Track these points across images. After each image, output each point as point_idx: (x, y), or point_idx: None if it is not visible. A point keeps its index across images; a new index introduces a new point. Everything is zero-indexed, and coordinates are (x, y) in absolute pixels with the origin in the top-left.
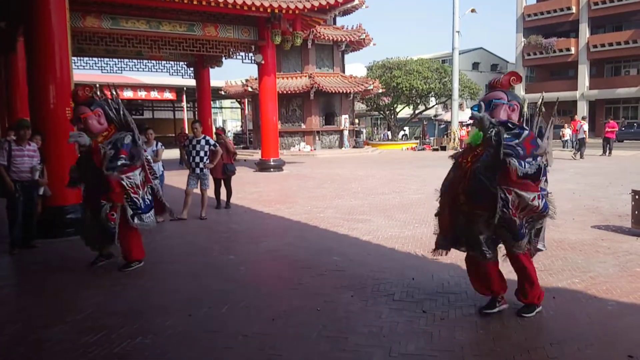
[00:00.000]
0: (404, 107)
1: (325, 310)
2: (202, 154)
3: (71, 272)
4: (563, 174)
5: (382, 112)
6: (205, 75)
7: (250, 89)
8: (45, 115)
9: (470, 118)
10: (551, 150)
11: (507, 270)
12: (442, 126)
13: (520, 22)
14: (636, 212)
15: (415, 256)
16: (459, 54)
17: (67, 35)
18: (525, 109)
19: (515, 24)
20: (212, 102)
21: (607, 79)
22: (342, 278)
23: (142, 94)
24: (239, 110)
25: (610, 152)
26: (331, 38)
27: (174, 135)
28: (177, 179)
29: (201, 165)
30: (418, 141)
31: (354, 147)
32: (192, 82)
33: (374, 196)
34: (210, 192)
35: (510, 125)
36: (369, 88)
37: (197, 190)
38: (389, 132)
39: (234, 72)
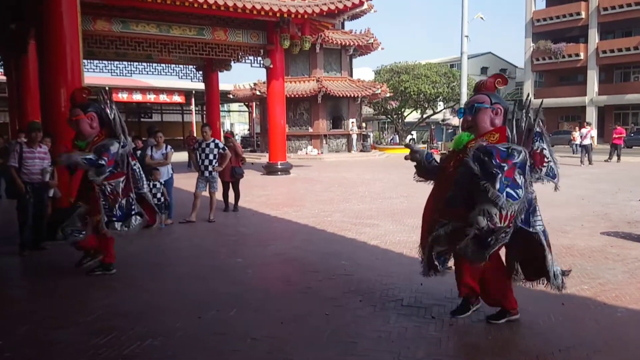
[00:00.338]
0: (411, 112)
1: (333, 314)
2: (211, 157)
3: (80, 274)
4: (572, 180)
5: (389, 116)
6: (214, 79)
7: (258, 93)
8: (56, 117)
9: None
10: (556, 160)
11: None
12: (450, 130)
13: (529, 27)
14: None
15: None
16: (468, 58)
17: (79, 38)
18: (523, 116)
19: (524, 28)
20: (220, 106)
21: (616, 85)
22: (351, 282)
23: (151, 97)
24: (247, 113)
25: (618, 158)
26: (339, 42)
27: (182, 138)
28: (185, 181)
29: (210, 168)
30: (426, 145)
31: (361, 150)
32: (200, 86)
33: (382, 200)
34: (219, 195)
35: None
36: (376, 92)
37: (206, 193)
38: (397, 136)
39: (242, 75)
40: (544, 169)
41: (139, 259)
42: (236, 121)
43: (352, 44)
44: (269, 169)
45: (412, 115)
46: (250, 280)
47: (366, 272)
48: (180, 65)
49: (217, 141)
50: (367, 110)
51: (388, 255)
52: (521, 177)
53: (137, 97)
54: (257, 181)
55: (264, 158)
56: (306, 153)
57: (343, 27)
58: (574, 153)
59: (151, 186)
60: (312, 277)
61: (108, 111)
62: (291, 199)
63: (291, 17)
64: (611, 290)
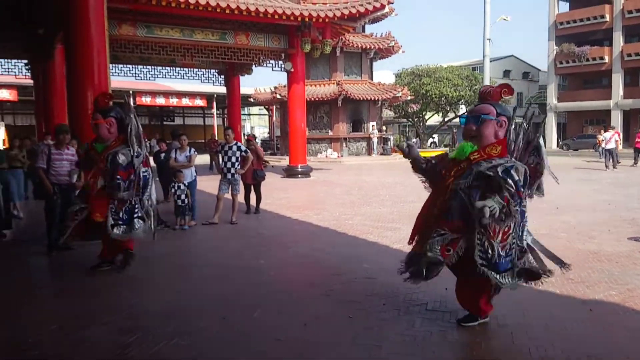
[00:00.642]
0: (433, 115)
1: (357, 317)
2: (233, 159)
3: (107, 273)
4: (597, 185)
5: (410, 120)
6: (235, 83)
7: (278, 96)
8: (83, 120)
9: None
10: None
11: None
12: None
13: (553, 30)
14: None
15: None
16: (490, 61)
17: (106, 42)
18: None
19: (547, 31)
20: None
21: None
22: (373, 286)
23: (173, 101)
24: (267, 117)
25: None
26: (360, 45)
27: (204, 141)
28: (207, 184)
29: (232, 170)
30: (447, 149)
31: (381, 154)
32: (222, 89)
33: (403, 204)
34: (241, 197)
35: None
36: (397, 95)
37: (228, 196)
38: (417, 140)
39: (262, 79)
40: (536, 184)
41: (164, 260)
42: (256, 124)
43: (372, 47)
44: (289, 172)
45: (434, 119)
46: (273, 281)
47: (389, 275)
48: (202, 70)
49: (239, 144)
50: (387, 113)
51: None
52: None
53: (160, 100)
54: (278, 184)
55: (283, 161)
56: (326, 156)
57: (364, 31)
58: (600, 156)
59: (175, 188)
60: (334, 279)
61: (127, 120)
62: (312, 201)
63: (312, 21)
64: None
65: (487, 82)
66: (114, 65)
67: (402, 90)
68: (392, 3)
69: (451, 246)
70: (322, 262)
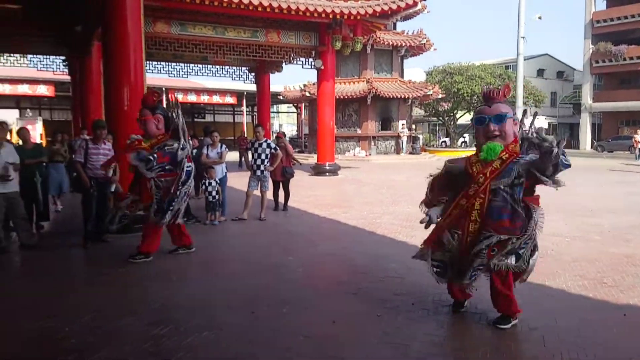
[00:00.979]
0: (464, 114)
1: (385, 316)
2: (263, 156)
3: (139, 266)
4: (633, 187)
5: (441, 118)
6: (265, 81)
7: (307, 94)
8: (119, 116)
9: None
10: None
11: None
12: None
13: (589, 29)
14: None
15: None
16: (524, 60)
17: (142, 40)
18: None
19: (583, 30)
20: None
21: None
22: (402, 285)
23: (204, 98)
24: (295, 114)
25: None
26: (391, 43)
27: (233, 138)
28: (237, 180)
29: (262, 167)
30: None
31: (410, 153)
32: (251, 87)
33: None
34: (269, 194)
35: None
36: (428, 93)
37: (258, 192)
38: (447, 139)
39: (292, 77)
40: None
41: (194, 254)
42: (284, 122)
43: (403, 44)
44: (317, 170)
45: (465, 118)
46: (301, 278)
47: (418, 275)
48: (233, 67)
49: (269, 141)
50: (417, 111)
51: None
52: None
53: (192, 97)
54: (306, 182)
55: (311, 159)
56: (354, 154)
57: (395, 28)
58: (636, 159)
59: (207, 184)
60: (362, 278)
61: (174, 116)
62: (339, 200)
63: (344, 19)
64: None
65: (520, 81)
66: (148, 62)
67: (433, 89)
68: (425, 0)
69: (497, 247)
70: (350, 261)
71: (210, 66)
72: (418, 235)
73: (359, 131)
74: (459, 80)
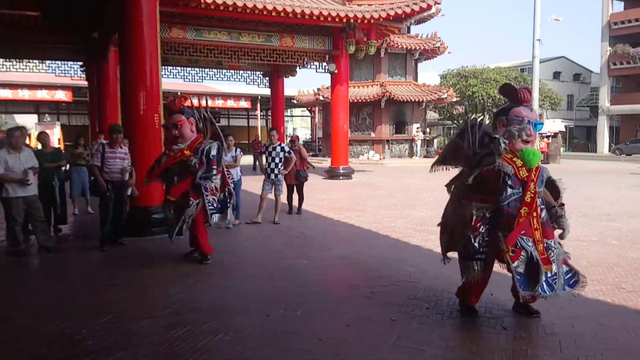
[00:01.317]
0: (479, 117)
1: (400, 320)
2: (277, 160)
3: (156, 269)
4: None
5: (455, 122)
6: (279, 85)
7: (321, 98)
8: (135, 120)
9: None
10: None
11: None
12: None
13: (606, 30)
14: None
15: (494, 271)
16: (540, 62)
17: (158, 45)
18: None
19: (600, 32)
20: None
21: None
22: (417, 289)
23: (219, 103)
24: (309, 118)
25: None
26: (405, 46)
27: (247, 142)
28: (251, 184)
29: (276, 171)
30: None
31: (425, 156)
32: (265, 91)
33: None
34: (283, 197)
35: None
36: (442, 97)
37: (272, 196)
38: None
39: (305, 81)
40: None
41: (211, 256)
42: (298, 126)
43: (417, 48)
44: (331, 174)
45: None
46: (315, 281)
47: (433, 279)
48: (248, 72)
49: (283, 145)
50: (432, 115)
51: (456, 264)
52: None
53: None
54: (319, 185)
55: (325, 162)
56: (368, 158)
57: (409, 31)
58: None
59: None
60: (376, 282)
61: (205, 117)
62: (353, 203)
63: (357, 23)
64: None
65: (536, 84)
66: (164, 67)
67: (447, 92)
68: (439, 3)
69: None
70: (364, 264)
71: (225, 71)
72: (432, 239)
73: (372, 135)
74: (474, 83)
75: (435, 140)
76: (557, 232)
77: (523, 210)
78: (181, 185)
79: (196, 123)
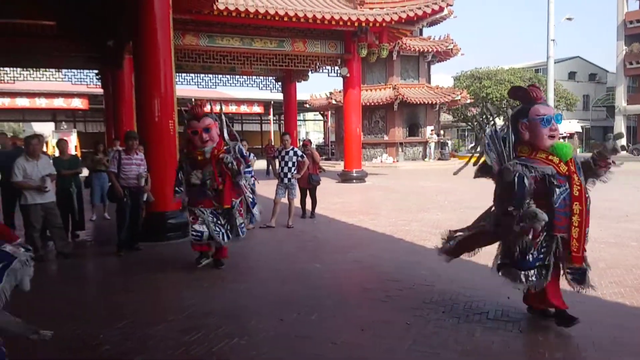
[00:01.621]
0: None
1: (415, 324)
2: (290, 164)
3: (171, 274)
4: None
5: (469, 123)
6: (292, 89)
7: (334, 102)
8: (150, 127)
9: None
10: None
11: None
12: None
13: (621, 29)
14: None
15: None
16: (554, 62)
17: (171, 52)
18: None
19: (615, 31)
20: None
21: None
22: (432, 293)
23: (232, 108)
24: (321, 122)
25: None
26: (417, 49)
27: (261, 147)
28: (264, 188)
29: (289, 175)
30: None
31: (439, 159)
32: (278, 96)
33: (463, 210)
34: (297, 201)
35: None
36: (456, 98)
37: (285, 200)
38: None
39: (317, 85)
40: None
41: (225, 261)
42: (311, 130)
43: (430, 50)
44: (344, 177)
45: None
46: (329, 285)
47: (448, 283)
48: (260, 77)
49: (295, 149)
50: (445, 117)
51: (471, 266)
52: None
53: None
54: (332, 189)
55: (338, 166)
56: (381, 161)
57: (421, 34)
58: None
59: None
60: (391, 285)
61: (222, 120)
62: (367, 207)
63: (369, 26)
64: None
65: (551, 85)
66: (177, 74)
67: (461, 94)
68: (451, 5)
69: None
70: (378, 268)
71: (238, 76)
72: None
73: (386, 138)
74: (488, 84)
75: (450, 142)
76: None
77: (575, 206)
78: (227, 189)
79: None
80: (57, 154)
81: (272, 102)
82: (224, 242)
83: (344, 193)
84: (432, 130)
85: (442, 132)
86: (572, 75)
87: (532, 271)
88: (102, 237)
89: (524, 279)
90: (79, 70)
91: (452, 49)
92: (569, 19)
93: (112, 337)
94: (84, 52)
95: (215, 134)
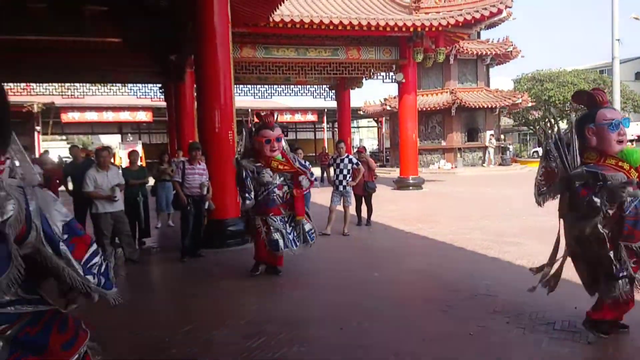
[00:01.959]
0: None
1: (478, 335)
2: (345, 172)
3: (232, 280)
4: None
5: (531, 127)
6: (345, 97)
7: (388, 108)
8: (211, 137)
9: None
10: None
11: None
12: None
13: None
14: None
15: (577, 284)
16: (620, 63)
17: (230, 66)
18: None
19: None
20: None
21: None
22: (495, 303)
23: (287, 117)
24: (376, 129)
25: None
26: (475, 52)
27: (314, 154)
28: (319, 196)
29: (344, 182)
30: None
31: (500, 164)
32: (332, 104)
33: (525, 217)
34: (352, 209)
35: None
36: (516, 102)
37: (340, 207)
38: (539, 149)
39: (370, 92)
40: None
41: (282, 269)
42: (365, 136)
43: (488, 53)
44: (400, 184)
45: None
46: (388, 294)
47: (512, 293)
48: (314, 86)
49: (350, 156)
50: (506, 121)
51: (537, 276)
52: None
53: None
54: (388, 196)
55: (394, 173)
56: (439, 167)
57: (479, 37)
58: None
59: None
60: (452, 295)
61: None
62: (424, 214)
63: (425, 31)
64: None
65: (617, 86)
66: (235, 85)
67: (522, 97)
68: (510, 7)
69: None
70: (438, 277)
71: (292, 86)
72: (512, 252)
73: (443, 143)
74: (550, 87)
75: (511, 147)
76: None
77: None
78: (298, 199)
79: None
80: (123, 164)
81: (325, 110)
82: (293, 250)
83: (400, 200)
84: (491, 135)
85: (502, 136)
86: (639, 76)
87: (620, 281)
88: (166, 244)
89: (616, 290)
90: (143, 84)
91: (511, 51)
92: (636, 18)
93: (177, 341)
94: (148, 67)
95: (283, 143)
